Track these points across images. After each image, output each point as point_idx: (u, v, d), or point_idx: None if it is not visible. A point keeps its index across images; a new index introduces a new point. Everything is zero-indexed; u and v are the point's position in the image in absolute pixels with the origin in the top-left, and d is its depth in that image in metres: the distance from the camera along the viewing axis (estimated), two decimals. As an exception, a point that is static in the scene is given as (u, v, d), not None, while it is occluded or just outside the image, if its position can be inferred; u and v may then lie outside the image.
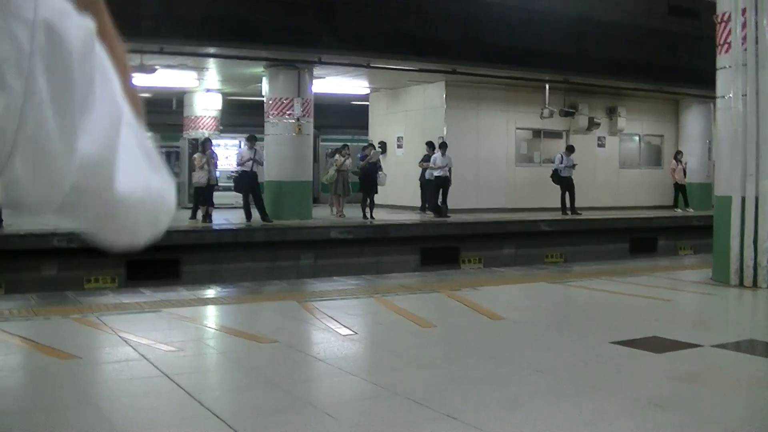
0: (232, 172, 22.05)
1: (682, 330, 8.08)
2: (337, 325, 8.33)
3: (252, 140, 20.19)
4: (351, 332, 8.00)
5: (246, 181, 19.95)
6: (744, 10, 10.94)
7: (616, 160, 28.44)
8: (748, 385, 6.19)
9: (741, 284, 11.10)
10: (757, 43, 10.86)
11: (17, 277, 15.76)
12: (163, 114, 30.47)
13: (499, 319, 8.80)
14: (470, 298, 10.13)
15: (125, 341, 7.46)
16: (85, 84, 0.92)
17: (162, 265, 17.13)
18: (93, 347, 7.38)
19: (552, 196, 24.42)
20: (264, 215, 19.89)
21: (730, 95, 11.24)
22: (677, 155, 26.91)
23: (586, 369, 6.47)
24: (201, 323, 8.54)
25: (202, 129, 27.61)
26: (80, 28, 0.92)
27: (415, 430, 4.89)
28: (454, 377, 6.22)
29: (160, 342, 7.38)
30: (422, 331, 8.16)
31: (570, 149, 24.26)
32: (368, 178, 21.93)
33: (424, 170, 23.10)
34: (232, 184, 21.08)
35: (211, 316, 9.32)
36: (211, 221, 19.90)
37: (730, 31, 11.16)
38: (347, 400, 5.73)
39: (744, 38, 10.97)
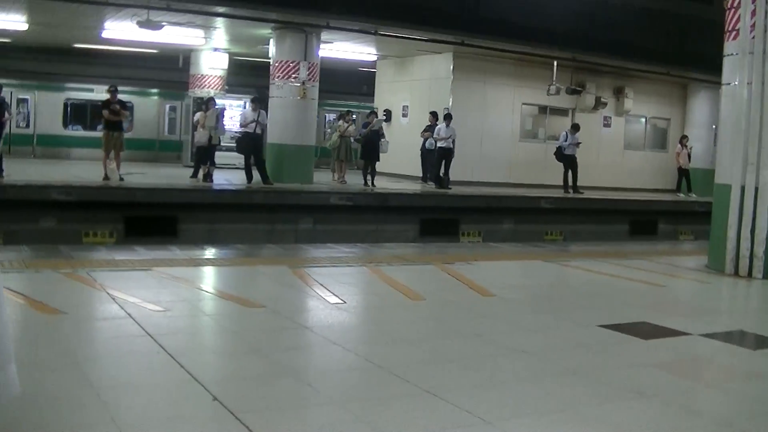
0: (236, 132, 21.97)
1: (672, 317, 8.05)
2: (327, 293, 8.32)
3: (256, 102, 20.10)
4: (340, 301, 7.98)
5: (248, 143, 19.87)
6: (754, -2, 10.85)
7: (621, 141, 28.32)
8: (732, 377, 6.16)
9: (736, 273, 11.07)
10: (765, 31, 10.74)
11: (15, 228, 15.74)
12: (170, 71, 30.36)
13: (489, 295, 8.78)
14: (463, 273, 10.10)
15: (113, 299, 7.45)
16: None
17: (160, 222, 17.15)
18: (80, 303, 7.36)
19: (555, 173, 24.33)
20: (265, 177, 19.83)
21: (736, 83, 11.15)
22: (682, 140, 26.83)
23: (570, 352, 6.45)
24: (191, 284, 8.51)
25: (208, 88, 27.50)
26: None
27: (392, 404, 4.87)
28: (437, 353, 6.20)
29: (147, 301, 7.37)
30: (411, 304, 8.15)
31: (575, 127, 24.12)
32: (370, 146, 21.87)
33: (425, 140, 23.05)
34: (235, 145, 21.01)
35: (202, 277, 9.30)
36: (211, 181, 19.86)
37: (739, 17, 11.05)
38: (328, 370, 5.71)
39: (753, 26, 10.86)
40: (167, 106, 30.08)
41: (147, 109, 29.84)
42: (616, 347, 6.69)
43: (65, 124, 29.11)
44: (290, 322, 7.04)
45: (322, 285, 8.76)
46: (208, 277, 9.46)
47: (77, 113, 29.22)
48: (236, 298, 7.92)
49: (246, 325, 6.98)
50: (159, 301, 7.42)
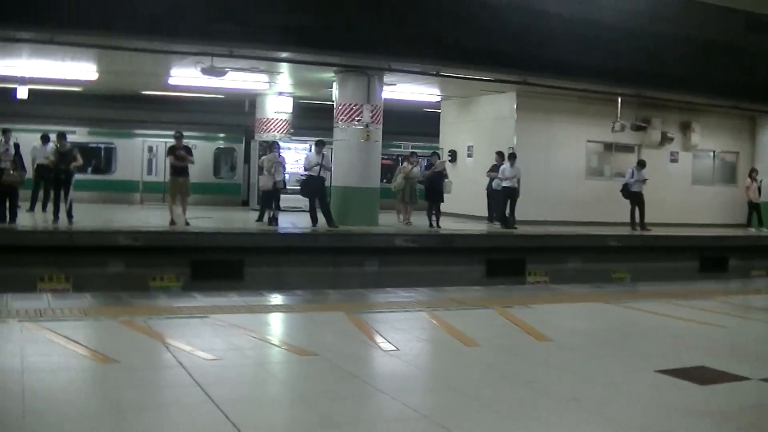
0: (300, 176, 22.15)
1: (732, 361, 7.84)
2: (381, 340, 8.30)
3: (320, 145, 20.27)
4: (393, 348, 7.95)
5: (312, 186, 20.04)
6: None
7: (688, 176, 27.92)
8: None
9: (804, 314, 10.81)
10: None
11: (84, 272, 16.01)
12: (236, 115, 30.78)
13: (546, 340, 8.67)
14: (521, 317, 9.98)
15: (166, 347, 7.52)
16: None
17: (226, 266, 17.27)
18: (134, 351, 7.41)
19: (621, 210, 24.03)
20: (330, 220, 19.95)
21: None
22: (752, 173, 26.40)
23: (624, 400, 6.31)
24: (245, 332, 8.51)
25: (274, 131, 27.79)
26: None
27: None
28: (486, 403, 6.11)
29: (200, 349, 7.41)
30: (465, 351, 8.07)
31: (641, 164, 23.88)
32: (434, 187, 21.87)
33: (491, 180, 22.98)
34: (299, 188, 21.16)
35: (257, 324, 9.27)
36: (276, 224, 20.02)
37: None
38: (373, 420, 5.68)
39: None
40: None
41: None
42: (671, 393, 6.53)
43: None
44: (341, 370, 7.00)
45: (377, 332, 8.74)
46: (263, 325, 9.47)
47: None
48: (289, 345, 7.94)
49: (296, 374, 6.99)
50: (212, 350, 7.46)
